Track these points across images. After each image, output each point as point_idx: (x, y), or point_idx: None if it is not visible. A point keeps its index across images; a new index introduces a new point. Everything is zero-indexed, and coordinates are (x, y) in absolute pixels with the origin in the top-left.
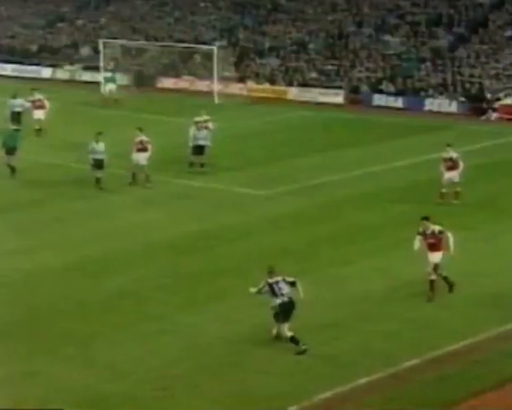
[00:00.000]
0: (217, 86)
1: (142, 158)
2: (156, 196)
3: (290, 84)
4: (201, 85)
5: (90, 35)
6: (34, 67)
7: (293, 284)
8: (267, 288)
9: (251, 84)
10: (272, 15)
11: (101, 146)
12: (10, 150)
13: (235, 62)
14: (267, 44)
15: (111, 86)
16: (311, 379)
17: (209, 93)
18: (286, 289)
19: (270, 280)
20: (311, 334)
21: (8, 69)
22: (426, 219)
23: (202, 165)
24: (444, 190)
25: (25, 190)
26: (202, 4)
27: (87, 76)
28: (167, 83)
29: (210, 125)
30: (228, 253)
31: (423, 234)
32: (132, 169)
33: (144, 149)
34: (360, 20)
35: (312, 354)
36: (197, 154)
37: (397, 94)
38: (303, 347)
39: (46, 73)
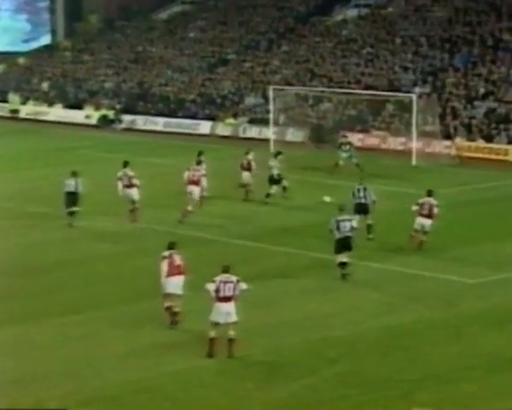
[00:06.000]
0: (416, 144)
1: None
2: (332, 281)
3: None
4: (395, 143)
5: (257, 81)
6: (190, 121)
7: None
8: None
9: (460, 141)
10: (490, 54)
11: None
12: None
13: (440, 114)
14: (482, 90)
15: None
16: None
17: (405, 152)
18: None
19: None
20: None
21: (160, 123)
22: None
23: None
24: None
25: None
26: (400, 41)
27: (252, 131)
28: (352, 139)
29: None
30: (428, 359)
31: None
32: None
33: None
34: None
35: None
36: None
37: None
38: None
39: (205, 127)
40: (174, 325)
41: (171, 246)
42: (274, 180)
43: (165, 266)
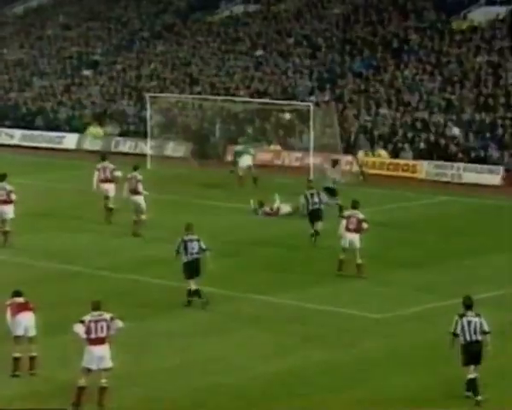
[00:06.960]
0: (313, 159)
1: None
2: (219, 319)
3: (420, 155)
4: (290, 158)
5: (130, 87)
6: (53, 134)
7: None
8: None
9: (362, 155)
10: (395, 57)
11: None
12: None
13: (340, 125)
14: (384, 97)
15: (247, 160)
16: None
17: (302, 168)
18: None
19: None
20: None
21: (16, 136)
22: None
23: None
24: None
25: None
26: (293, 41)
27: (126, 145)
28: None
29: None
30: (328, 408)
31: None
32: None
33: None
34: None
35: None
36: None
37: None
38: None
39: (70, 141)
40: (32, 372)
41: (16, 294)
42: (331, 190)
43: (8, 311)
